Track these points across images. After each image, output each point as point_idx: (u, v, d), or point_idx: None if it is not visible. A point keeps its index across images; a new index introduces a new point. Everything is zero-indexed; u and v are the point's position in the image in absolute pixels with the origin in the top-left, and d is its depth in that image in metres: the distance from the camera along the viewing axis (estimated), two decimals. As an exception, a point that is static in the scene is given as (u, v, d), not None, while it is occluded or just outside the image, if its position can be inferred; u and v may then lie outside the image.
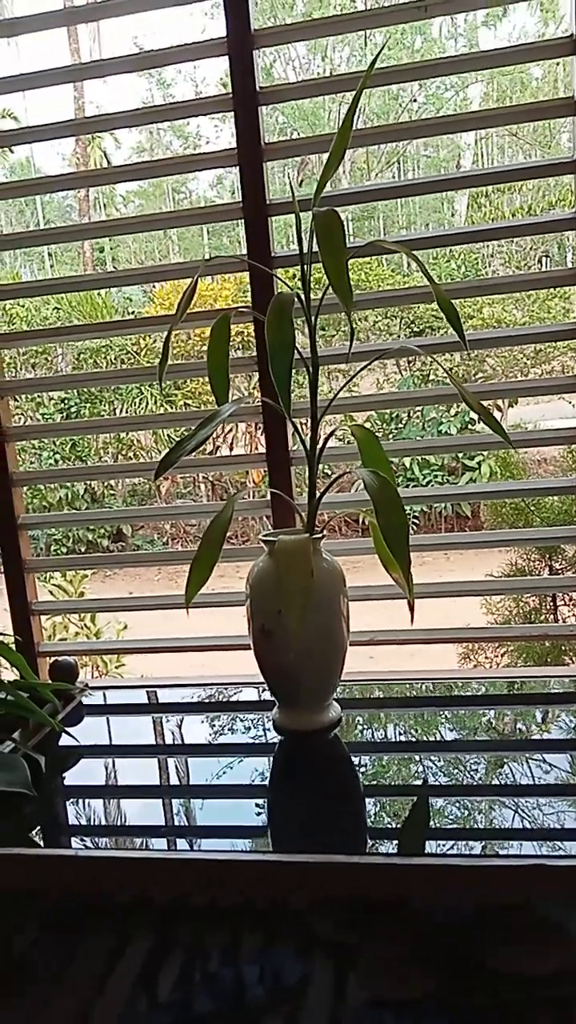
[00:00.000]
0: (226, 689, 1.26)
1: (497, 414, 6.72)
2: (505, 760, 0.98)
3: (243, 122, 1.15)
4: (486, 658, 2.90)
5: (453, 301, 0.94)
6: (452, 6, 1.11)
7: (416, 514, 6.95)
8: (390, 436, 6.83)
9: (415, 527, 6.95)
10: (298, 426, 1.09)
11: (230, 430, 6.95)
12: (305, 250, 1.01)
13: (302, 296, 1.01)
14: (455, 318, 0.93)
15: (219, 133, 14.17)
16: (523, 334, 1.19)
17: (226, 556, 1.24)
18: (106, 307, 7.64)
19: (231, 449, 6.85)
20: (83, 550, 7.15)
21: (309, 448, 1.03)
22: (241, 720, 1.17)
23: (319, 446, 1.04)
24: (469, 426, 6.75)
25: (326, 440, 1.06)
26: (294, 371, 1.01)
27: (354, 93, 0.98)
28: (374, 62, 0.96)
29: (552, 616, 2.80)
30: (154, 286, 8.31)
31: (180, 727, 1.21)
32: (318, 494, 1.04)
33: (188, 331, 5.83)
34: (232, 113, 1.16)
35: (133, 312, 8.90)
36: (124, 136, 15.77)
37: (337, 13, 1.13)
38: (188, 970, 0.91)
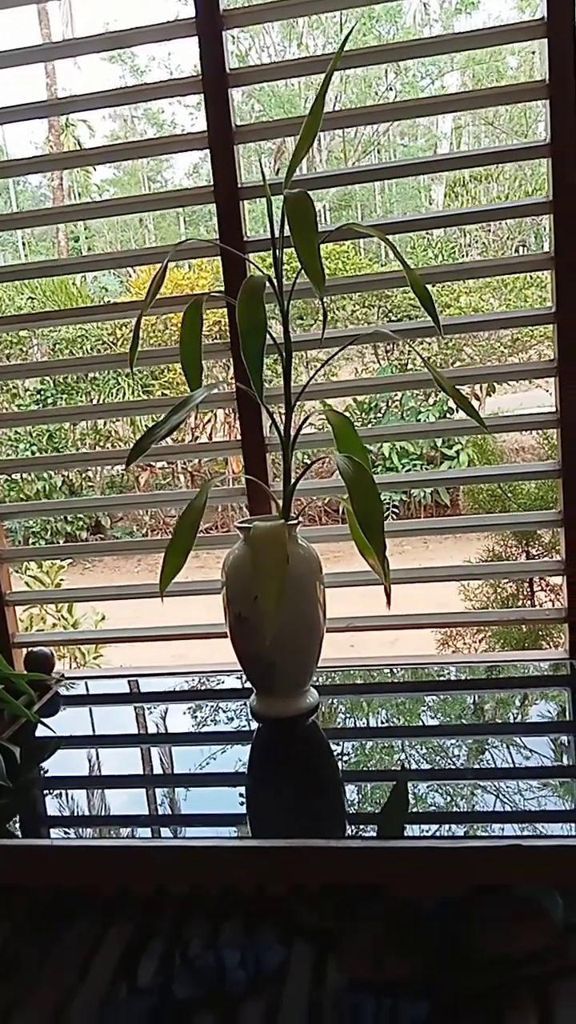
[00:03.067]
0: (204, 677, 1.26)
1: (475, 403, 6.74)
2: (484, 744, 0.99)
3: (213, 104, 1.14)
4: (464, 644, 2.92)
5: (429, 288, 0.94)
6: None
7: (396, 503, 6.97)
8: (369, 425, 6.83)
9: (395, 515, 6.96)
10: (273, 412, 1.09)
11: (208, 419, 6.92)
12: (277, 234, 1.00)
13: (275, 281, 1.00)
14: (429, 302, 0.92)
15: (194, 121, 14.02)
16: (497, 319, 1.18)
17: (206, 544, 1.24)
18: (82, 297, 7.56)
19: (210, 438, 6.81)
20: (62, 543, 7.10)
21: (283, 434, 1.03)
22: (219, 708, 1.17)
23: (294, 432, 1.04)
24: (448, 415, 6.76)
25: (300, 426, 1.05)
26: (271, 358, 1.00)
27: (325, 73, 0.97)
28: (344, 41, 0.95)
29: (529, 601, 2.83)
30: (130, 275, 8.24)
31: (158, 716, 1.20)
32: (293, 480, 1.04)
33: (165, 321, 5.80)
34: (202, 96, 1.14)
35: (109, 302, 8.81)
36: (98, 125, 15.62)
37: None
38: (169, 957, 0.90)
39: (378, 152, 13.74)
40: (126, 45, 1.20)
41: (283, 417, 1.04)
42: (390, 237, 0.99)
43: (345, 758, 0.99)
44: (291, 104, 12.48)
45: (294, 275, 1.01)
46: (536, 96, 1.09)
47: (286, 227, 0.90)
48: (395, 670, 1.20)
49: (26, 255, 14.86)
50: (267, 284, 0.99)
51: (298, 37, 13.32)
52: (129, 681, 1.32)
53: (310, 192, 0.90)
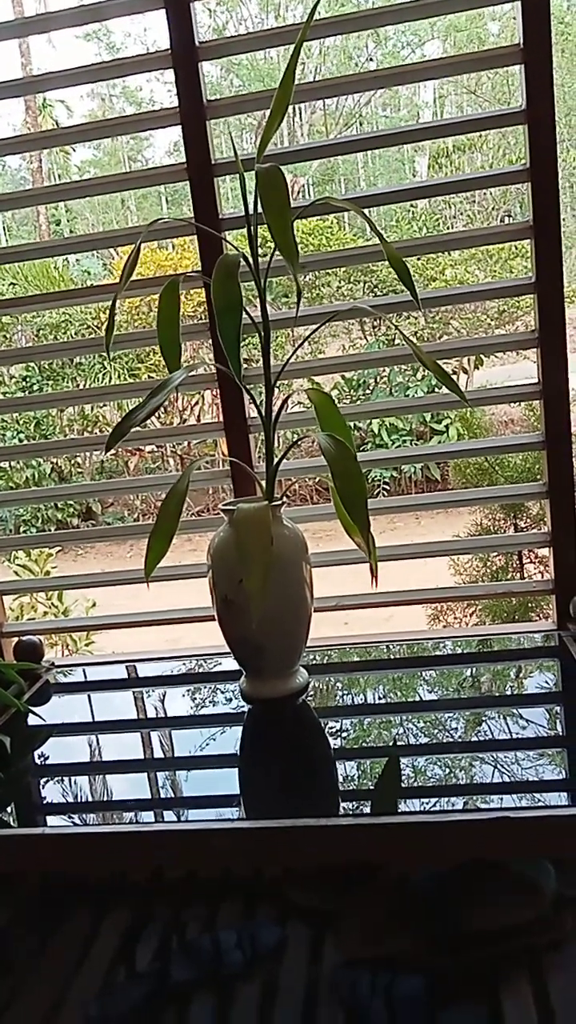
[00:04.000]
0: (195, 661, 1.25)
1: (463, 377, 6.67)
2: (474, 717, 0.99)
3: (184, 79, 1.11)
4: (455, 618, 2.94)
5: (413, 260, 0.92)
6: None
7: (386, 480, 6.97)
8: (358, 402, 6.81)
9: (386, 492, 6.96)
10: (253, 392, 1.08)
11: (196, 402, 6.89)
12: (252, 210, 0.98)
13: (250, 258, 0.98)
14: (406, 275, 0.91)
15: (172, 99, 13.83)
16: (476, 291, 1.17)
17: (197, 527, 1.23)
18: (64, 281, 7.48)
19: (198, 420, 6.79)
20: (52, 530, 7.09)
21: (265, 414, 1.02)
22: (210, 691, 1.17)
23: (275, 412, 1.02)
24: (436, 389, 6.75)
25: (282, 405, 1.04)
26: (257, 340, 0.99)
27: (295, 44, 0.95)
28: (314, 9, 0.93)
29: (519, 574, 2.84)
30: (113, 259, 8.16)
31: (148, 701, 1.20)
32: (276, 461, 1.03)
33: (148, 303, 5.75)
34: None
35: (92, 285, 8.73)
36: (76, 105, 15.38)
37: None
38: (166, 940, 0.91)
39: (360, 124, 13.59)
40: (96, 19, 1.18)
41: (265, 397, 1.03)
42: (371, 211, 0.97)
43: (336, 736, 0.99)
44: (271, 78, 12.30)
45: (271, 252, 0.99)
46: (511, 61, 1.07)
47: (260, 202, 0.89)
48: (384, 647, 1.20)
49: (7, 240, 14.69)
50: (243, 262, 0.97)
51: (275, 9, 13.12)
52: (120, 667, 1.31)
53: (288, 166, 0.89)
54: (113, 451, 0.98)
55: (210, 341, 1.21)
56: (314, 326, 1.08)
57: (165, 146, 15.77)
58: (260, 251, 1.01)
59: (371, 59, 13.30)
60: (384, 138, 1.15)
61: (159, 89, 14.84)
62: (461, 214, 9.53)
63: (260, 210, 0.91)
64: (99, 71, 1.21)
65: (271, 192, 0.84)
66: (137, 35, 14.80)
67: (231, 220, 1.16)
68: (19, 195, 1.26)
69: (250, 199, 0.98)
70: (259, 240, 1.01)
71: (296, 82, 0.96)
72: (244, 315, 0.93)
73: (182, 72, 1.12)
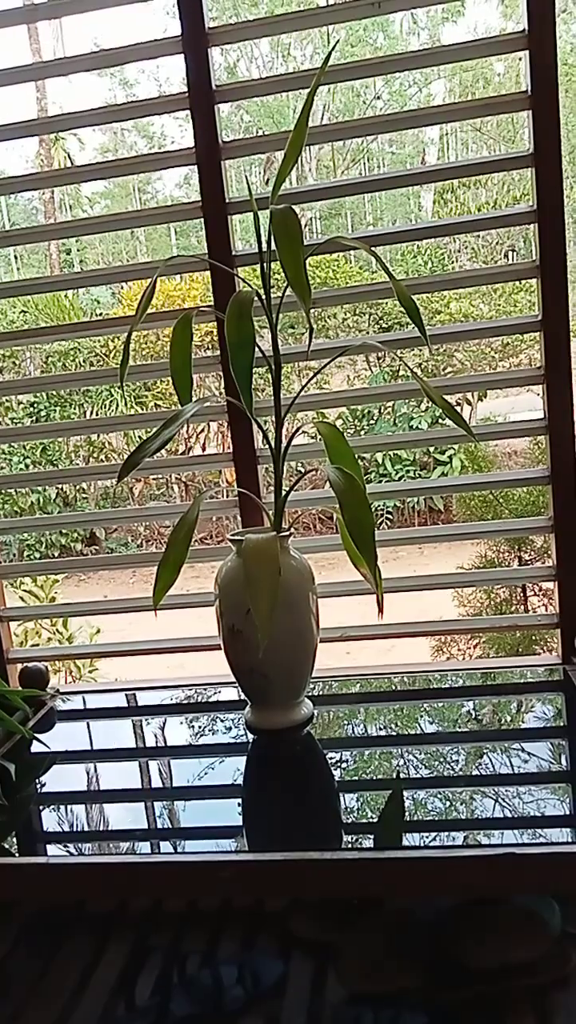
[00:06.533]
0: (199, 690, 1.26)
1: (467, 408, 6.70)
2: (479, 751, 0.99)
3: (200, 120, 1.14)
4: (459, 650, 2.93)
5: (419, 296, 0.94)
6: (404, 2, 1.11)
7: (389, 509, 6.98)
8: (361, 432, 6.85)
9: (389, 522, 6.97)
10: (263, 425, 1.09)
11: (202, 430, 6.93)
12: (265, 248, 1.01)
13: (263, 294, 1.01)
14: (415, 313, 0.93)
15: (183, 133, 14.09)
16: (484, 327, 1.19)
17: (201, 556, 1.24)
18: (74, 309, 7.57)
19: (203, 449, 6.82)
20: (56, 555, 7.09)
21: (274, 446, 1.03)
22: (215, 720, 1.17)
23: (284, 444, 1.04)
24: (440, 421, 6.78)
25: (291, 438, 1.06)
26: (263, 369, 1.00)
27: (308, 90, 0.98)
28: (328, 57, 0.96)
29: (523, 607, 2.84)
30: (122, 288, 8.26)
31: (153, 729, 1.20)
32: (284, 492, 1.04)
33: (156, 332, 5.81)
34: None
35: (101, 314, 8.83)
36: (88, 137, 15.65)
37: (294, 10, 1.13)
38: (167, 973, 0.90)
39: (367, 160, 13.81)
40: (115, 63, 1.21)
41: (274, 429, 1.04)
42: (378, 247, 0.99)
43: (340, 768, 0.99)
44: (280, 114, 12.54)
45: (282, 288, 1.01)
46: (519, 107, 1.10)
47: (274, 241, 0.91)
48: (389, 679, 1.21)
49: (18, 268, 14.89)
50: (256, 298, 0.99)
51: (285, 49, 13.41)
52: (124, 695, 1.32)
53: (299, 204, 0.91)
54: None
55: (215, 372, 1.23)
56: (326, 360, 1.10)
57: (175, 178, 16.05)
58: (271, 287, 1.03)
59: (378, 97, 13.55)
60: (394, 179, 1.18)
61: (170, 123, 15.14)
62: (465, 247, 9.65)
63: (273, 247, 0.94)
64: (117, 112, 1.25)
65: (285, 234, 0.86)
66: (150, 71, 15.12)
67: (243, 256, 1.19)
68: (37, 230, 1.29)
69: (263, 236, 1.01)
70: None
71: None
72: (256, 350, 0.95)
73: (199, 113, 1.15)
